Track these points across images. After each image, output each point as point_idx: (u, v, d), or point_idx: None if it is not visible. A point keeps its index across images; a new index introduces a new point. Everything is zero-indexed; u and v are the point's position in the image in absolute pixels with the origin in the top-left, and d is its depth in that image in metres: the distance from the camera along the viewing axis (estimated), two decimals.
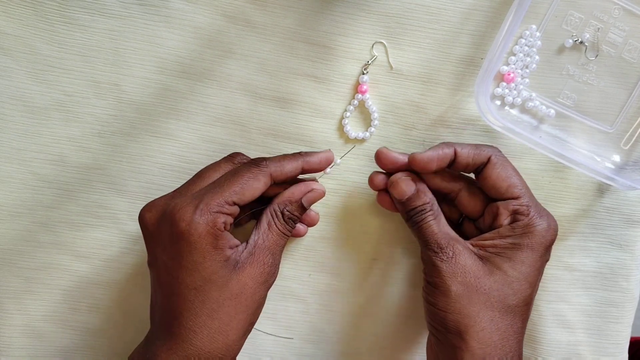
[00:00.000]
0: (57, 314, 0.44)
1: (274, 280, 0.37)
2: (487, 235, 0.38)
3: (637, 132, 0.42)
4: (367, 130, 0.43)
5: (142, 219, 0.36)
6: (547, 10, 0.41)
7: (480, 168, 0.38)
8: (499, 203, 0.38)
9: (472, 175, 0.40)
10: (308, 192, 0.38)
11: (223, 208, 0.35)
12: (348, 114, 0.42)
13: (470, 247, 0.37)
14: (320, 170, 0.39)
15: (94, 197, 0.43)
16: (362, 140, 0.43)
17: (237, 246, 0.36)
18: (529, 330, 0.45)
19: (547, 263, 0.45)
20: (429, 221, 0.38)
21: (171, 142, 0.42)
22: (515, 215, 0.37)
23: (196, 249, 0.34)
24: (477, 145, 0.38)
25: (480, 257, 0.37)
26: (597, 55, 0.41)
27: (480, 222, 0.40)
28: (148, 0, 0.41)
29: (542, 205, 0.43)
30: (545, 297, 0.45)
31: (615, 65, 0.41)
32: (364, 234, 0.44)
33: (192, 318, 0.34)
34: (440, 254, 0.36)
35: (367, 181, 0.40)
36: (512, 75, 0.41)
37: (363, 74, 0.42)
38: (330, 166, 0.40)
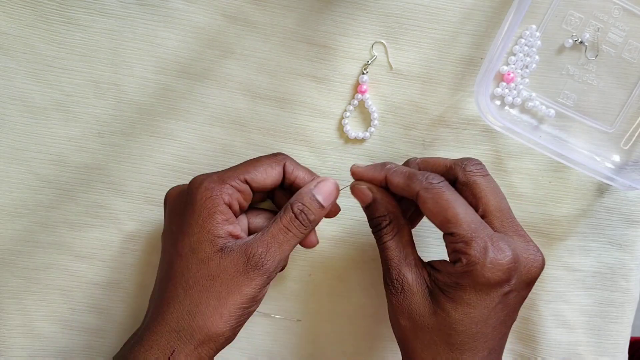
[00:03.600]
0: (57, 314, 0.44)
1: (266, 279, 0.34)
2: (439, 264, 0.35)
3: (637, 132, 0.42)
4: (367, 130, 0.43)
5: (166, 196, 0.38)
6: (547, 10, 0.41)
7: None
8: (443, 236, 0.35)
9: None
10: (331, 191, 0.36)
11: (234, 182, 0.35)
12: (348, 114, 0.42)
13: (426, 277, 0.35)
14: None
15: (93, 197, 0.43)
16: (362, 140, 0.43)
17: (237, 237, 0.35)
18: (529, 330, 0.45)
19: (547, 263, 0.44)
20: (385, 241, 0.36)
21: (171, 142, 0.42)
22: (454, 253, 0.34)
23: (195, 212, 0.34)
24: (413, 175, 0.35)
25: (430, 291, 0.35)
26: (597, 55, 0.41)
27: None
28: (148, 0, 0.40)
29: (541, 205, 0.43)
30: (545, 297, 0.45)
31: (615, 65, 0.41)
32: (364, 234, 0.44)
33: (170, 289, 0.35)
34: (390, 286, 0.35)
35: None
36: (512, 75, 0.41)
37: (363, 74, 0.42)
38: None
